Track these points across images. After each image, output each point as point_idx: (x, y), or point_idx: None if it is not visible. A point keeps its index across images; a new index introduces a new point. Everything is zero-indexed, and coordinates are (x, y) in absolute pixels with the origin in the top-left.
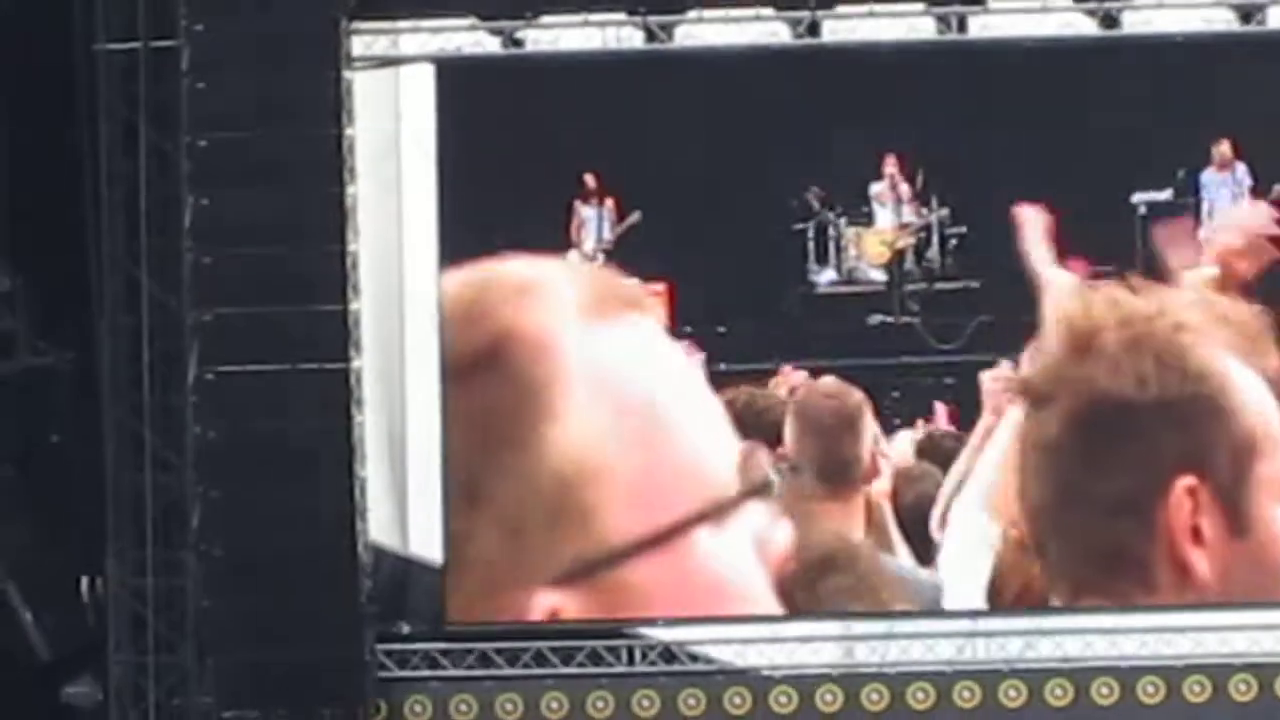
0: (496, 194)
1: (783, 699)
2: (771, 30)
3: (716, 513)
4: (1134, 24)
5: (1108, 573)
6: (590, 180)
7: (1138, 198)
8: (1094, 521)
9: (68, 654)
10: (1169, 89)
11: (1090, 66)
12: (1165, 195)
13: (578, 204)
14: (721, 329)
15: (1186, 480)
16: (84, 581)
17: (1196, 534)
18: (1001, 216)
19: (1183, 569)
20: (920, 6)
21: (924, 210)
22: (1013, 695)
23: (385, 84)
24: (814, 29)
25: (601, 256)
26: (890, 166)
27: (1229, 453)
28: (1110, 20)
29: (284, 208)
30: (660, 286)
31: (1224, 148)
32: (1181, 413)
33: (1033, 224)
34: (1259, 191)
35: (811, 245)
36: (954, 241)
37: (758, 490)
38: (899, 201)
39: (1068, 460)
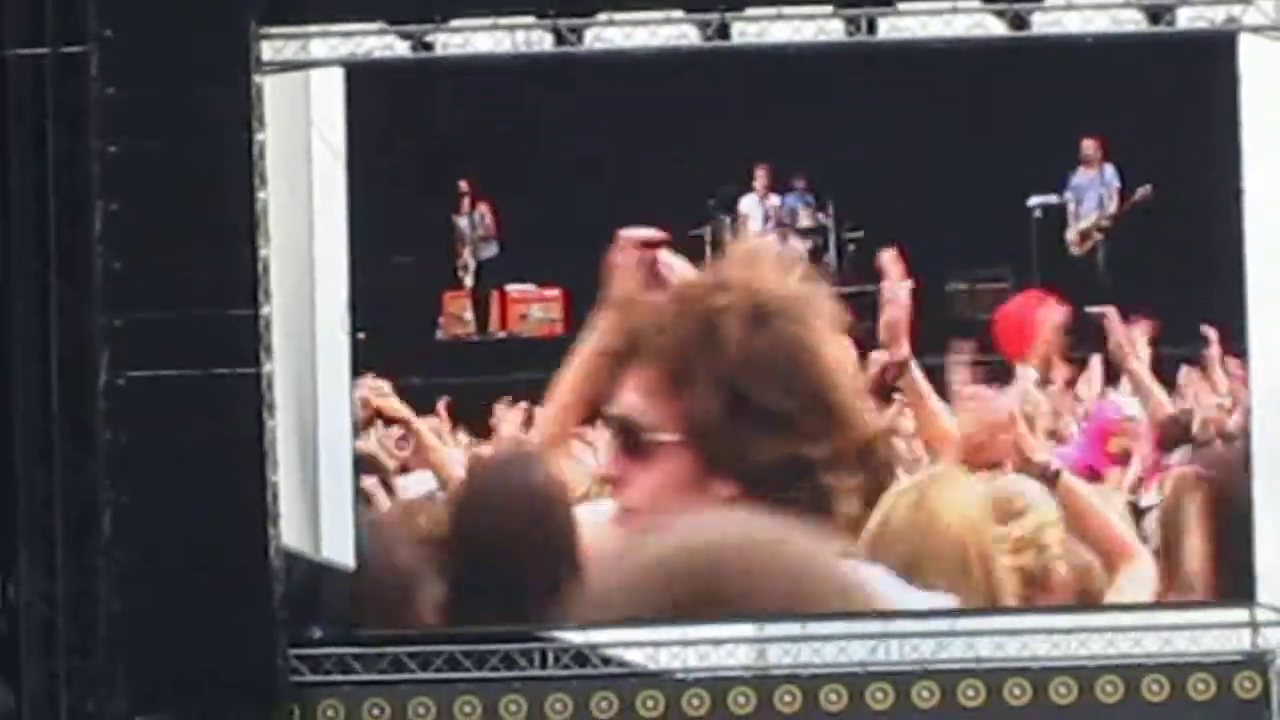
0: (406, 198)
1: (695, 701)
2: (681, 33)
3: None
4: (1043, 25)
5: None
6: (464, 185)
7: (1033, 201)
8: None
9: None
10: (1066, 90)
11: (986, 68)
12: (1058, 198)
13: (454, 218)
14: None
15: None
16: None
17: None
18: (899, 220)
19: None
20: (829, 9)
21: (820, 215)
22: (925, 696)
23: (295, 88)
24: (723, 31)
25: (472, 263)
26: (760, 178)
27: None
28: (1019, 21)
29: (195, 212)
30: (556, 292)
31: (1090, 146)
32: None
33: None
34: (1125, 193)
35: (709, 250)
36: (851, 246)
37: None
38: (766, 215)
39: None
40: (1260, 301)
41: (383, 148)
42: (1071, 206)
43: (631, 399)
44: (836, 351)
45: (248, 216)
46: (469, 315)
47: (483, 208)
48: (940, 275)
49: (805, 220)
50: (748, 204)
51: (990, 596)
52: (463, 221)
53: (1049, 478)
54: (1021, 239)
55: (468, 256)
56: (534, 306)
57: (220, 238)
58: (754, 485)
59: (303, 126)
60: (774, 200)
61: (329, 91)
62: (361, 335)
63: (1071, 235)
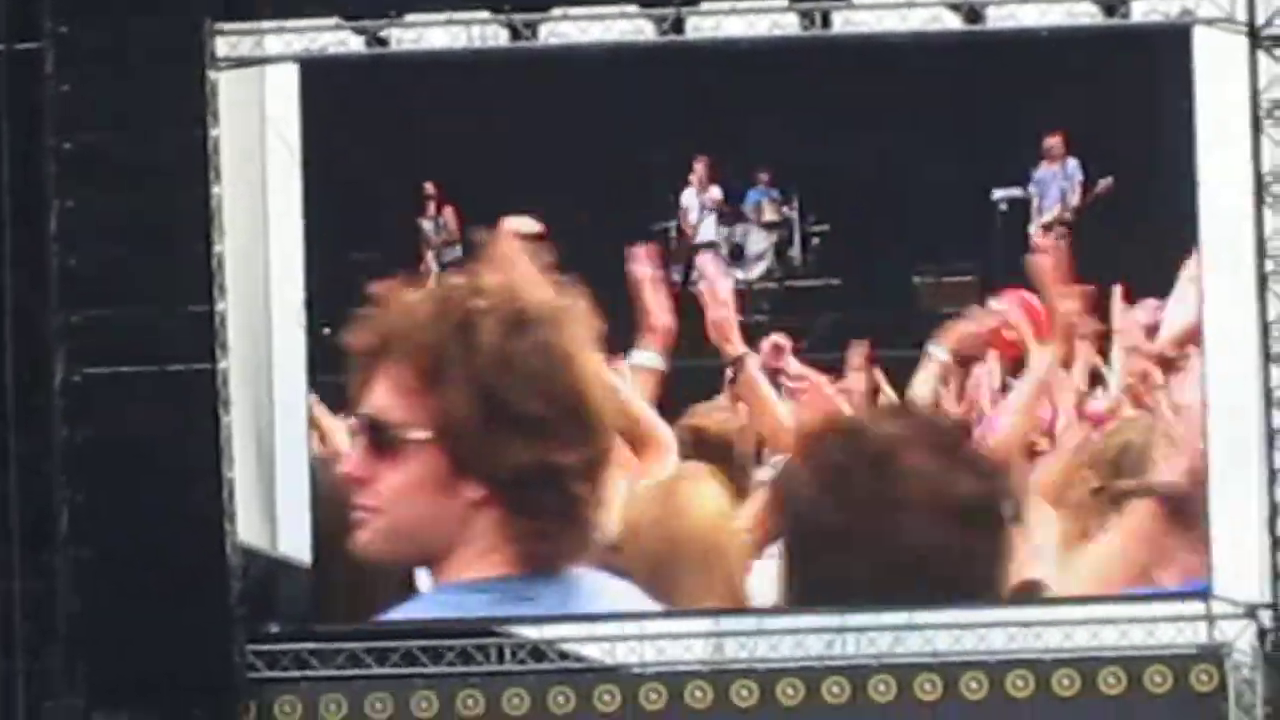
0: (362, 194)
1: (653, 695)
2: (636, 27)
3: None
4: (998, 19)
5: None
6: (430, 188)
7: (998, 194)
8: None
9: None
10: (1023, 83)
11: (945, 61)
12: (1022, 192)
13: (419, 221)
14: None
15: None
16: None
17: None
18: (864, 215)
19: None
20: (784, 3)
21: (784, 209)
22: (882, 690)
23: (250, 84)
24: (678, 26)
25: (436, 266)
26: (699, 170)
27: None
28: (975, 15)
29: (150, 209)
30: None
31: (1053, 141)
32: None
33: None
34: (1088, 186)
35: (672, 244)
36: (816, 240)
37: None
38: (702, 207)
39: None
40: (1216, 291)
41: (338, 143)
42: (1035, 200)
43: (382, 397)
44: (593, 361)
45: (203, 212)
46: None
47: (447, 211)
48: (904, 269)
49: (770, 214)
50: (687, 197)
51: (736, 595)
52: (427, 225)
53: None
54: (985, 232)
55: (431, 260)
56: None
57: (175, 234)
58: (503, 489)
59: (258, 122)
60: (714, 193)
61: (284, 87)
62: (327, 330)
63: (1035, 229)
